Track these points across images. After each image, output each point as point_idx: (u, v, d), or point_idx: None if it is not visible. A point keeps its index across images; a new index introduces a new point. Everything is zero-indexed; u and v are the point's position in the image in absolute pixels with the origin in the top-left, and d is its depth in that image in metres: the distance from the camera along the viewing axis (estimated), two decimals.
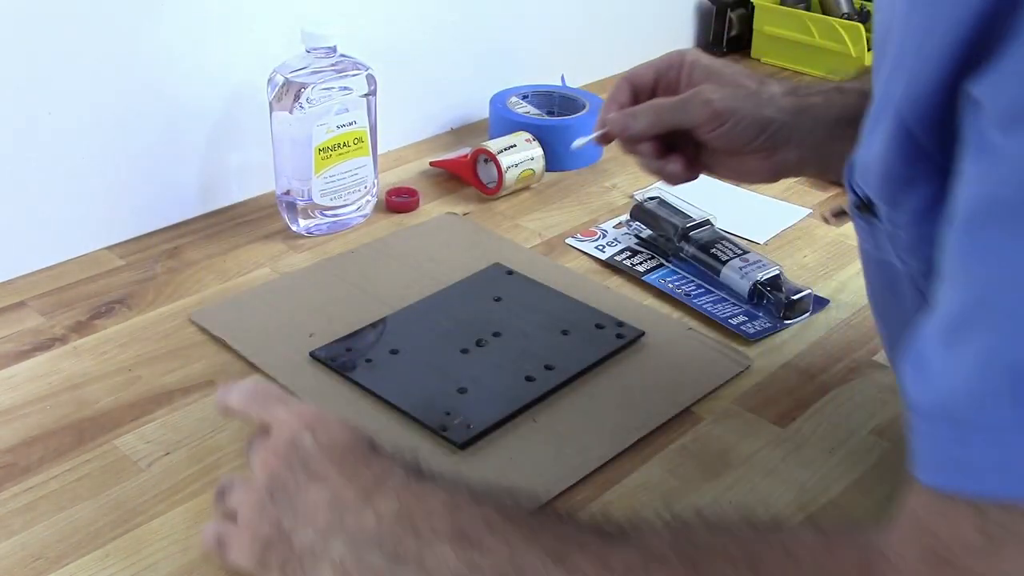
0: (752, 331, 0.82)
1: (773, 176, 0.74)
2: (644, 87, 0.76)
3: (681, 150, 0.74)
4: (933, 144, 0.43)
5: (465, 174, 1.04)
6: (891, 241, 0.50)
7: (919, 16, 0.42)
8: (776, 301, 0.83)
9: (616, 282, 0.89)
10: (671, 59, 0.75)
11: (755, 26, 1.43)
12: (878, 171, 0.47)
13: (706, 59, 0.74)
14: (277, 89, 0.88)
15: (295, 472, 0.54)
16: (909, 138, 0.43)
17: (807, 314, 0.84)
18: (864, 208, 0.51)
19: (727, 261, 0.87)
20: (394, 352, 0.77)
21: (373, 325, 0.80)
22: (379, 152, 0.98)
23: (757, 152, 0.71)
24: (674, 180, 0.75)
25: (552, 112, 1.14)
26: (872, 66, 0.53)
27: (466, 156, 1.03)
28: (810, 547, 0.44)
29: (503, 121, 1.08)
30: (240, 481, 0.58)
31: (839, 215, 0.53)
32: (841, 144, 0.71)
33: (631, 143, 0.74)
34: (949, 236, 0.40)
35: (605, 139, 0.76)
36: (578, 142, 0.78)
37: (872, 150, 0.48)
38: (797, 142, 0.71)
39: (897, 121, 0.44)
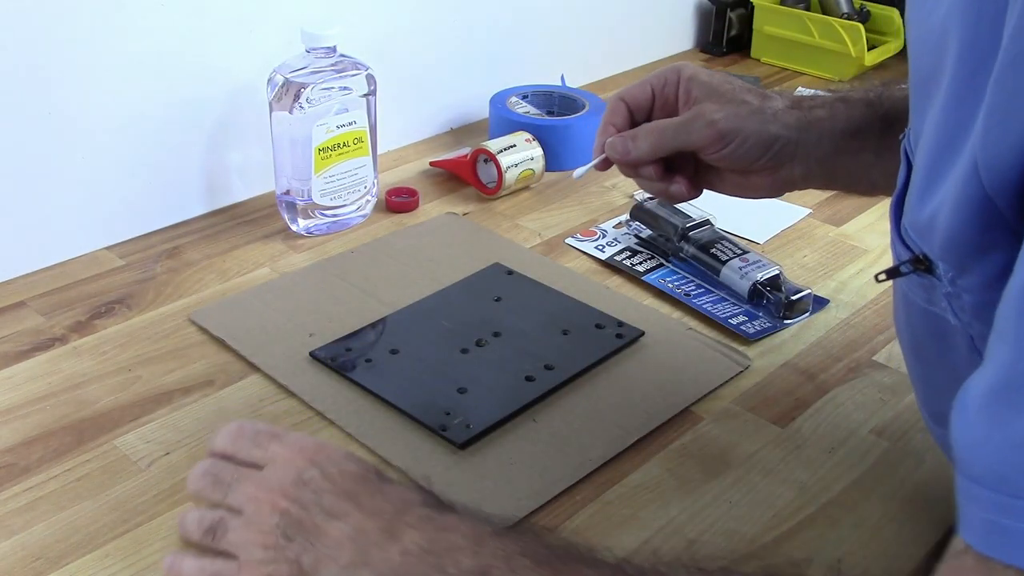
0: (752, 331, 0.82)
1: (777, 191, 0.72)
2: (640, 106, 0.72)
3: (681, 169, 0.72)
4: (1015, 213, 0.40)
5: (465, 174, 1.04)
6: (950, 300, 0.48)
7: (1007, 84, 0.39)
8: (776, 301, 0.83)
9: (616, 282, 0.89)
10: (667, 75, 0.72)
11: (755, 26, 1.44)
12: (945, 234, 0.44)
13: (704, 74, 0.71)
14: (277, 89, 0.88)
15: (310, 509, 0.53)
16: (987, 205, 0.41)
17: (807, 314, 0.84)
18: (920, 264, 0.48)
19: (727, 261, 0.87)
20: (394, 352, 0.77)
21: (373, 325, 0.80)
22: (379, 152, 0.98)
23: (762, 170, 0.69)
24: (677, 200, 0.74)
25: (552, 112, 1.14)
26: (910, 106, 0.50)
27: (466, 156, 1.03)
28: None
29: (503, 121, 1.08)
30: (236, 520, 0.55)
31: (892, 273, 0.51)
32: (846, 157, 0.69)
33: (632, 167, 0.72)
34: (1010, 294, 0.37)
35: (605, 164, 0.73)
36: (579, 171, 0.74)
37: (934, 211, 0.45)
38: (802, 157, 0.69)
39: (973, 187, 0.41)
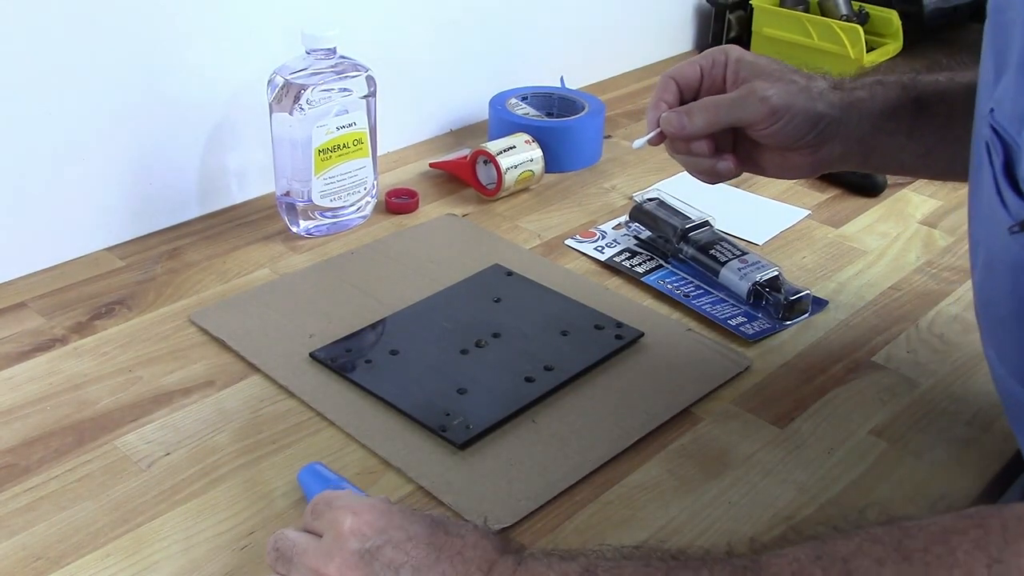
0: (751, 332, 0.82)
1: (814, 171, 0.75)
2: (689, 85, 0.75)
3: (724, 147, 0.75)
4: None
5: (465, 175, 1.04)
6: None
7: None
8: (775, 302, 0.84)
9: (615, 283, 0.89)
10: (715, 56, 0.75)
11: (754, 28, 1.44)
12: None
13: (750, 55, 0.74)
14: (277, 90, 0.88)
15: None
16: None
17: (806, 315, 0.84)
18: None
19: (726, 262, 0.87)
20: (394, 353, 0.77)
21: (373, 326, 0.80)
22: (379, 153, 0.98)
23: (805, 147, 0.72)
24: (723, 178, 0.76)
25: (551, 114, 1.14)
26: (1015, 84, 0.52)
27: (465, 157, 1.04)
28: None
29: (502, 122, 1.08)
30: None
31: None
32: (882, 137, 0.73)
33: (684, 142, 0.74)
34: None
35: (660, 139, 0.75)
36: (637, 142, 0.76)
37: None
38: (843, 137, 0.72)
39: None
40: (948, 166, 0.73)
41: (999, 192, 0.52)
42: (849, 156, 0.74)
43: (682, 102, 0.75)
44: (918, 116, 0.72)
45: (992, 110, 0.53)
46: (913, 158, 0.74)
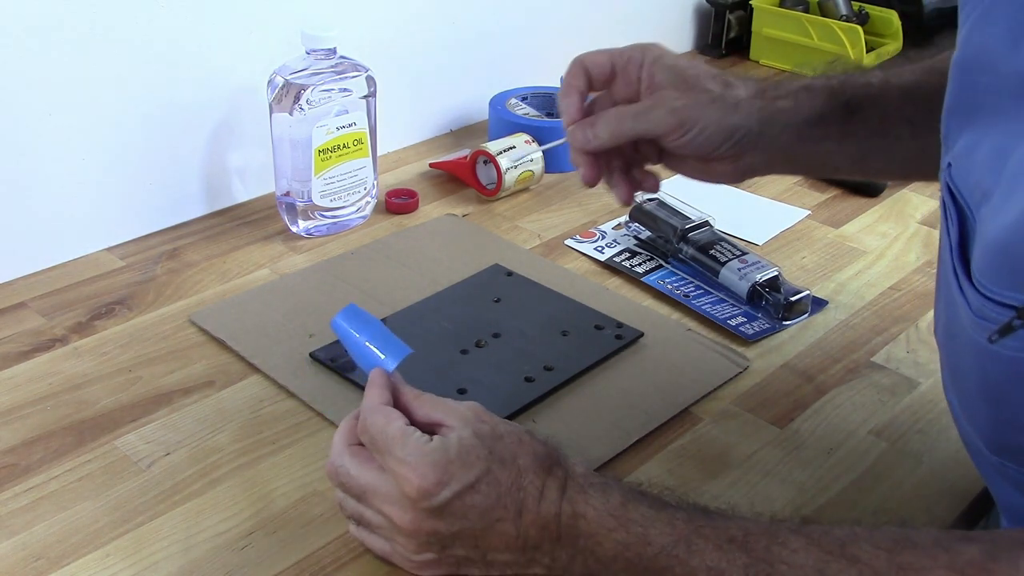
0: (751, 332, 0.82)
1: (739, 178, 0.72)
2: (599, 76, 0.71)
3: (647, 152, 0.72)
4: None
5: (464, 175, 1.04)
6: None
7: None
8: (775, 302, 0.84)
9: (615, 283, 0.89)
10: (631, 54, 0.70)
11: (754, 28, 1.44)
12: None
13: (669, 57, 0.70)
14: (277, 91, 0.89)
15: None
16: None
17: (805, 315, 0.84)
18: None
19: (726, 262, 0.87)
20: None
21: None
22: (379, 153, 0.99)
23: (723, 157, 0.69)
24: (622, 201, 0.73)
25: (551, 114, 1.14)
26: (980, 151, 0.49)
27: (465, 158, 1.04)
28: None
29: (502, 123, 1.08)
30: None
31: (1005, 331, 0.47)
32: (809, 144, 0.70)
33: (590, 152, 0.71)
34: None
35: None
36: (540, 149, 0.79)
37: None
38: (764, 147, 0.69)
39: None
40: (886, 166, 0.72)
41: (955, 271, 0.49)
42: (774, 164, 0.72)
43: (592, 90, 0.71)
44: (848, 121, 0.69)
45: (950, 164, 0.50)
46: (848, 163, 0.72)
